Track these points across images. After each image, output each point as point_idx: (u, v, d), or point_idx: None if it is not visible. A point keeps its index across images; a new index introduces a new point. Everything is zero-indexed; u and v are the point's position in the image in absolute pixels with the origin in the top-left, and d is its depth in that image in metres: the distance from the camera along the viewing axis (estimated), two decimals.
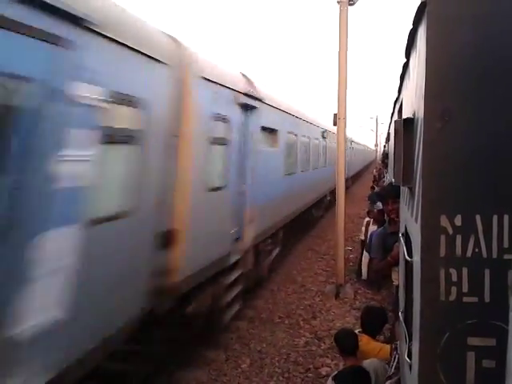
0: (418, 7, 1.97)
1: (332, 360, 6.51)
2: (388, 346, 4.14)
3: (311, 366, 6.40)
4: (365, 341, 4.20)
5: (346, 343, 3.96)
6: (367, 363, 3.73)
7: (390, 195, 4.97)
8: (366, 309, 4.96)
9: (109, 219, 3.78)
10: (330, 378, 3.66)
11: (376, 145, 57.68)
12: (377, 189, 17.07)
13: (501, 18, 1.75)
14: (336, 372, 3.60)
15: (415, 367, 2.11)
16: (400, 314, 3.14)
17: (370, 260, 9.73)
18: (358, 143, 37.13)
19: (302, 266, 11.57)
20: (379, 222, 10.02)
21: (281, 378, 6.09)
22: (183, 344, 6.45)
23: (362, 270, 10.07)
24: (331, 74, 11.05)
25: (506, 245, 1.78)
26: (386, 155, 20.01)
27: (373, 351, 4.09)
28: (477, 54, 1.79)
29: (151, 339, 6.07)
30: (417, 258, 2.07)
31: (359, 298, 9.17)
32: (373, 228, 10.09)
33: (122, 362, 5.11)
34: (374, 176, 27.49)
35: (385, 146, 28.78)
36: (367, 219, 10.84)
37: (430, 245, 1.87)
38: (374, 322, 4.40)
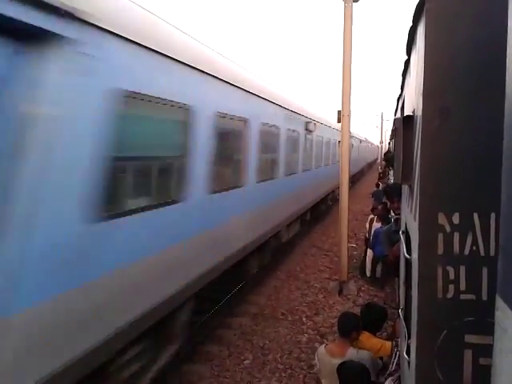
0: (417, 4, 1.96)
1: None
2: (389, 343, 4.15)
3: (314, 363, 6.41)
4: (365, 337, 4.21)
5: (342, 323, 4.06)
6: (356, 353, 3.80)
7: (396, 193, 4.95)
8: (366, 306, 4.97)
9: None
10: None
11: (381, 142, 57.47)
12: (381, 186, 17.03)
13: (499, 16, 1.74)
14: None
15: (413, 364, 2.12)
16: (400, 311, 3.15)
17: (375, 257, 9.76)
18: (357, 138, 31.41)
19: (306, 262, 11.58)
20: (383, 218, 10.01)
21: (283, 374, 6.11)
22: (186, 339, 6.48)
23: (366, 267, 10.07)
24: (336, 71, 11.05)
25: None
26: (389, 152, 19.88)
27: (374, 348, 4.10)
28: (475, 52, 1.79)
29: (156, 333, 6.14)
30: (415, 255, 2.07)
31: (362, 295, 9.17)
32: (377, 225, 10.07)
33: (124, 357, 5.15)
34: (379, 173, 27.44)
35: (389, 143, 28.67)
36: (371, 216, 10.82)
37: (427, 242, 1.88)
38: (374, 318, 4.41)
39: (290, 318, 7.95)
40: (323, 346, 4.19)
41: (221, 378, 5.96)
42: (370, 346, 4.05)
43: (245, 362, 6.38)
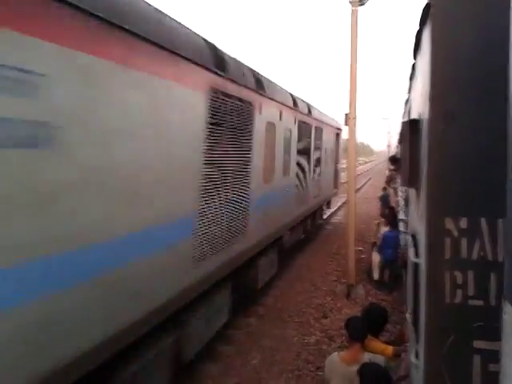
0: (423, 8, 1.96)
1: None
2: (391, 348, 4.11)
3: (322, 365, 6.38)
4: (367, 340, 4.16)
5: (353, 327, 4.01)
6: (371, 357, 3.76)
7: None
8: (367, 307, 4.90)
9: None
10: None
11: (388, 145, 57.31)
12: (388, 190, 16.97)
13: (504, 20, 1.74)
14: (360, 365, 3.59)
15: (421, 368, 2.11)
16: (408, 315, 3.14)
17: (382, 261, 9.71)
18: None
19: (313, 265, 11.54)
20: (391, 222, 9.98)
21: (291, 375, 6.09)
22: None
23: (374, 271, 10.02)
24: (343, 73, 11.03)
25: None
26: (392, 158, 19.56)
27: (375, 351, 4.07)
28: (480, 56, 1.79)
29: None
30: (422, 259, 2.07)
31: (370, 299, 9.11)
32: (384, 229, 10.04)
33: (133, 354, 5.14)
34: (387, 177, 27.33)
35: (397, 147, 28.55)
36: (378, 221, 10.78)
37: (434, 247, 1.87)
38: (375, 320, 4.37)
39: (297, 320, 7.92)
40: (335, 354, 4.09)
41: (228, 376, 5.95)
42: (371, 349, 4.02)
43: (252, 362, 6.36)
